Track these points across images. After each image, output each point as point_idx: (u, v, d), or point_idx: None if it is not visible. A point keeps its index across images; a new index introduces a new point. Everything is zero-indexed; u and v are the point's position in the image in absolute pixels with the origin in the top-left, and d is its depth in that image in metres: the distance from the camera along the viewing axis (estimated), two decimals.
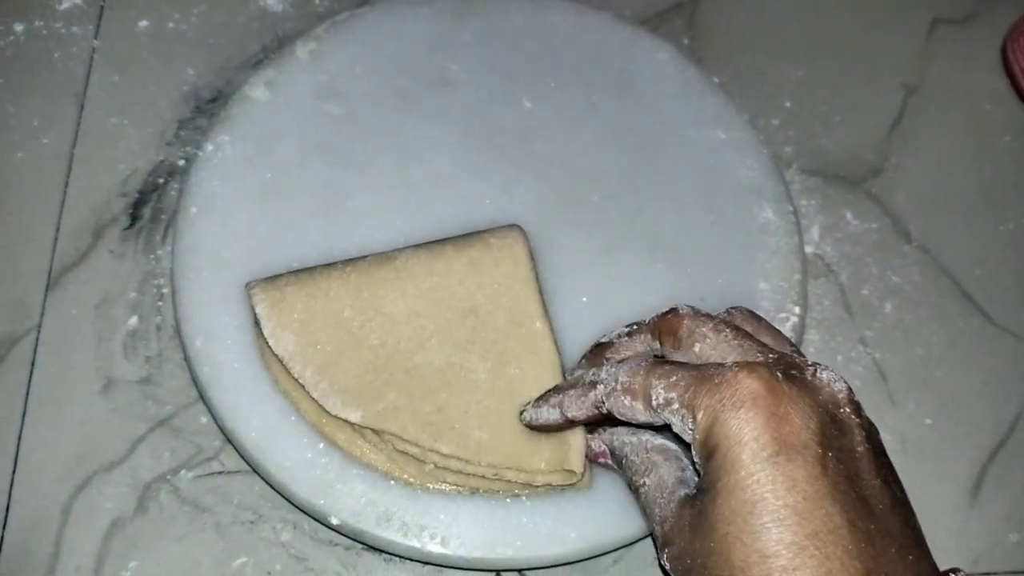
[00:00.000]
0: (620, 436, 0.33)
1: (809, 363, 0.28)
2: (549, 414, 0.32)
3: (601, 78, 0.43)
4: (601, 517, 0.34)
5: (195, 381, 0.36)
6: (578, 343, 0.36)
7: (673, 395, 0.27)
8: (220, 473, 0.37)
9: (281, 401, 0.35)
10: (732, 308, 0.33)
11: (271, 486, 0.35)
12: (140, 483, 0.36)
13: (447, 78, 0.42)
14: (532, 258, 0.37)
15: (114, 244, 0.40)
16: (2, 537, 0.35)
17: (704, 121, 0.42)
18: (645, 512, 0.30)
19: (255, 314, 0.35)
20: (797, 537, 0.24)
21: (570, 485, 0.34)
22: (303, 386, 0.34)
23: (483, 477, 0.33)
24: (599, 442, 0.33)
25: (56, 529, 0.35)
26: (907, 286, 0.42)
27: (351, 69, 0.42)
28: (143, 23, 0.45)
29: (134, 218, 0.41)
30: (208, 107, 0.43)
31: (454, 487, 0.34)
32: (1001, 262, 0.44)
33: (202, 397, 0.36)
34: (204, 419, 0.37)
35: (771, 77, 0.47)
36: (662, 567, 0.29)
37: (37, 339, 0.38)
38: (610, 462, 0.33)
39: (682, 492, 0.28)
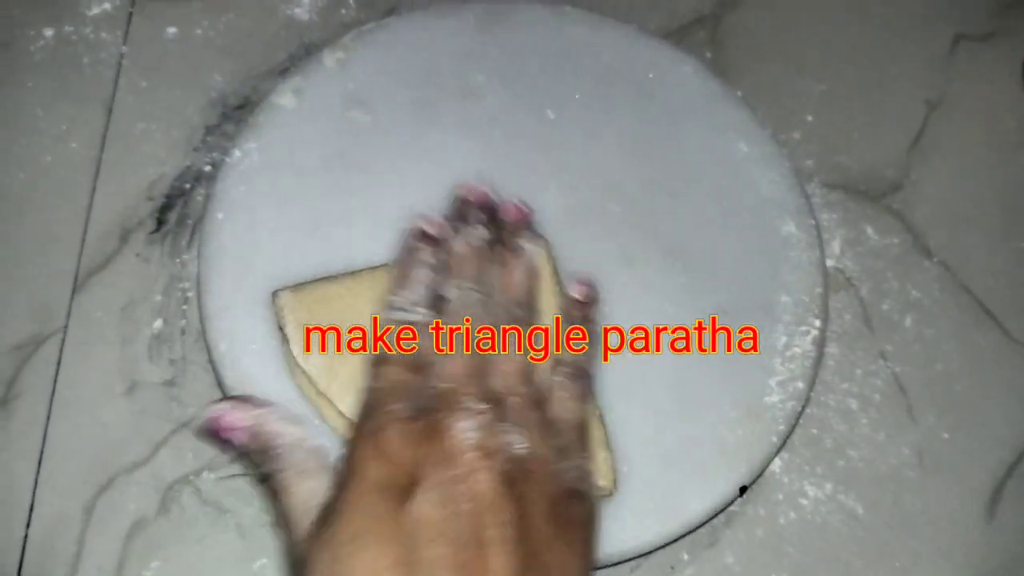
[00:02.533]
0: (273, 425, 0.31)
1: (463, 407, 0.29)
2: None
3: (624, 90, 0.43)
4: (619, 526, 0.34)
5: (219, 384, 0.37)
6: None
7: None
8: (242, 475, 0.37)
9: (306, 408, 0.35)
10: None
11: None
12: (163, 484, 0.37)
13: (472, 88, 0.42)
14: (556, 269, 0.37)
15: (140, 248, 0.41)
16: (26, 536, 0.36)
17: (727, 134, 0.42)
18: (284, 517, 0.30)
19: (281, 325, 0.35)
20: (378, 564, 0.26)
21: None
22: (329, 399, 0.34)
23: None
24: (243, 418, 0.31)
25: (79, 529, 0.36)
26: (927, 301, 0.42)
27: (377, 78, 0.42)
28: (171, 30, 0.46)
29: (160, 222, 0.41)
30: (235, 114, 0.44)
31: None
32: (1021, 278, 0.44)
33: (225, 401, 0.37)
34: None
35: (793, 91, 0.47)
36: None
37: (63, 340, 0.39)
38: (240, 439, 0.31)
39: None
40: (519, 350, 0.32)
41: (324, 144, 0.40)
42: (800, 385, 0.37)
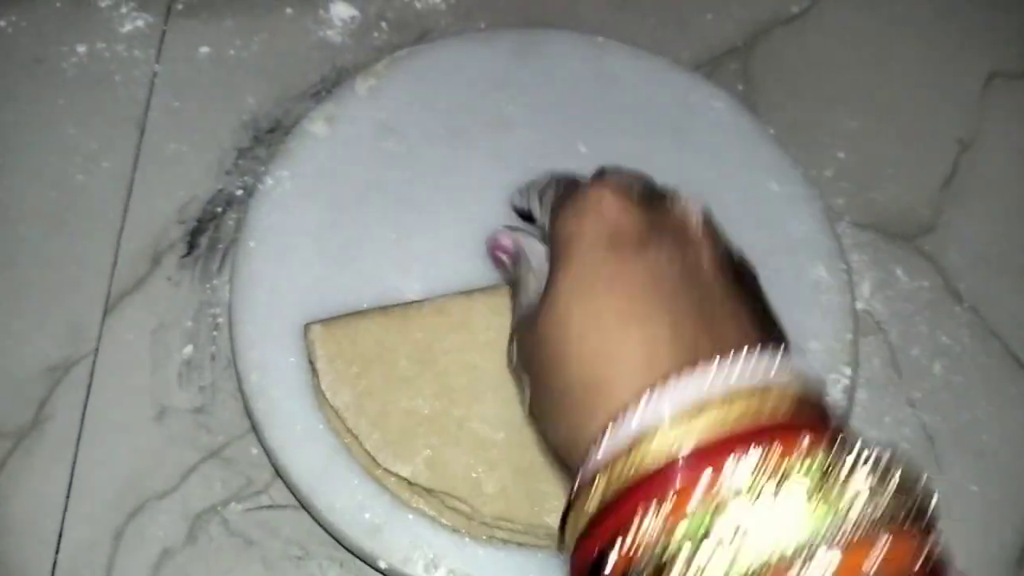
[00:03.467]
0: (531, 242, 0.34)
1: (681, 197, 0.30)
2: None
3: (656, 124, 0.43)
4: None
5: (249, 416, 0.37)
6: None
7: (548, 198, 0.33)
8: (269, 507, 0.37)
9: (334, 441, 0.35)
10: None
11: (320, 525, 0.35)
12: (191, 513, 0.37)
13: (504, 118, 0.42)
14: None
15: (171, 271, 0.41)
16: (55, 562, 0.36)
17: (758, 172, 0.42)
18: (518, 294, 0.33)
19: (311, 359, 0.35)
20: (621, 303, 0.26)
21: None
22: (356, 436, 0.34)
23: (531, 535, 0.33)
24: (509, 238, 0.36)
25: (108, 555, 0.36)
26: (957, 347, 0.42)
27: (410, 107, 0.42)
28: (204, 49, 0.46)
29: (191, 246, 0.41)
30: (267, 137, 0.44)
31: (502, 540, 0.34)
32: None
33: (255, 431, 0.37)
34: (255, 451, 0.38)
35: (825, 127, 0.47)
36: (509, 359, 0.32)
37: (94, 363, 0.39)
38: (506, 259, 0.35)
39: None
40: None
41: (357, 173, 0.40)
42: None
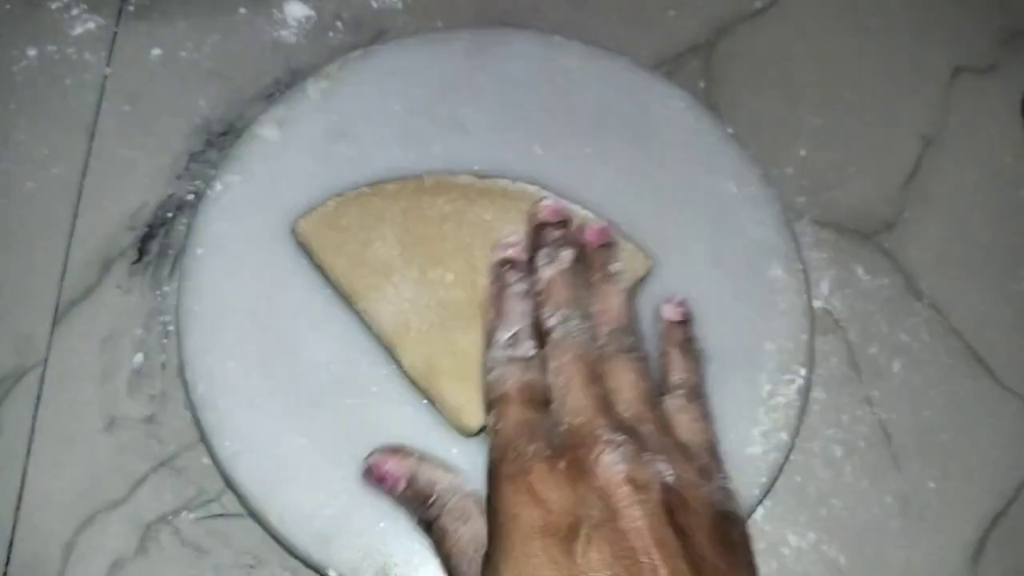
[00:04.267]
0: (430, 471, 0.32)
1: (603, 440, 0.29)
2: None
3: (614, 125, 0.42)
4: None
5: (197, 425, 0.36)
6: None
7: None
8: (221, 516, 0.37)
9: (283, 450, 0.35)
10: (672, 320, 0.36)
11: (270, 535, 0.35)
12: (141, 523, 0.37)
13: (459, 121, 0.42)
14: None
15: (121, 279, 0.40)
16: (5, 574, 0.35)
17: (716, 173, 0.42)
18: (449, 561, 0.30)
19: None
20: None
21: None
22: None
23: None
24: (400, 467, 0.33)
25: (58, 568, 0.36)
26: (916, 345, 0.42)
27: (362, 109, 0.41)
28: (156, 51, 0.45)
29: (141, 253, 0.41)
30: (219, 140, 0.43)
31: None
32: (1014, 323, 0.43)
33: (204, 442, 0.36)
34: (206, 460, 0.37)
35: (787, 124, 0.46)
36: None
37: (43, 374, 0.39)
38: (399, 488, 0.32)
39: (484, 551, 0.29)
40: (640, 377, 0.32)
41: (308, 178, 0.40)
42: (783, 436, 0.37)
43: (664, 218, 0.41)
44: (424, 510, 0.32)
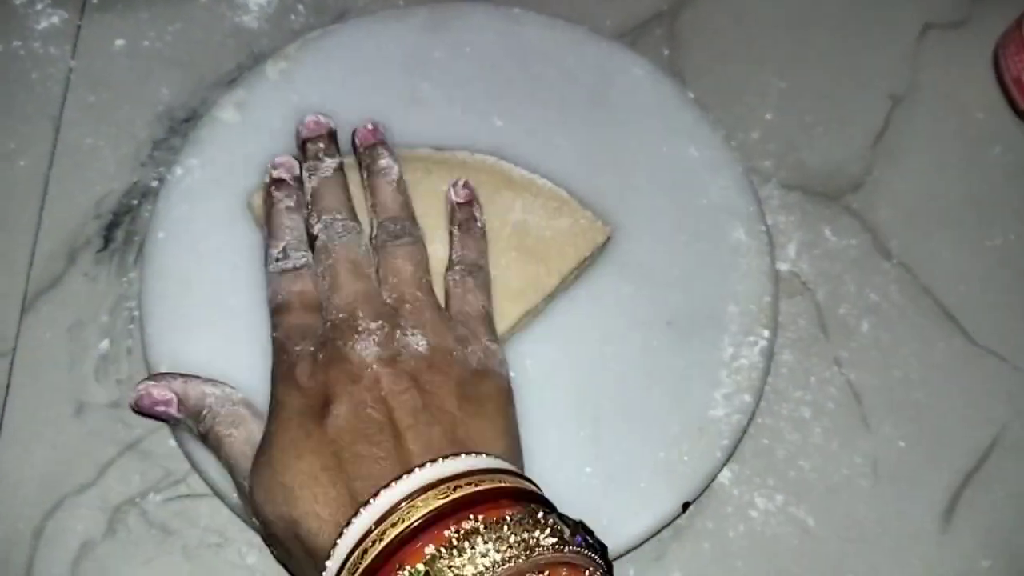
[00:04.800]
0: (198, 386, 0.34)
1: (359, 330, 0.32)
2: None
3: (574, 94, 0.42)
4: None
5: None
6: (542, 359, 0.37)
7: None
8: (187, 496, 0.37)
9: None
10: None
11: (235, 513, 0.35)
12: (110, 506, 0.37)
13: (418, 96, 0.42)
14: None
15: (88, 267, 0.41)
16: None
17: (678, 138, 0.41)
18: (228, 463, 0.33)
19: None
20: (310, 466, 0.29)
21: None
22: None
23: None
24: (164, 391, 0.34)
25: (28, 552, 0.36)
26: (885, 305, 0.42)
27: (321, 88, 0.42)
28: (119, 42, 0.45)
29: (107, 240, 0.41)
30: (182, 127, 0.43)
31: None
32: (986, 279, 0.42)
33: (168, 423, 0.37)
34: (172, 443, 0.37)
35: (752, 88, 0.46)
36: (253, 518, 0.32)
37: (12, 363, 0.39)
38: (172, 411, 0.34)
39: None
40: (405, 260, 0.34)
41: (268, 158, 0.40)
42: (747, 398, 0.37)
43: (626, 185, 0.40)
44: (199, 423, 0.33)
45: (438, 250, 0.37)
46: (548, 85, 0.43)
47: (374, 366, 0.30)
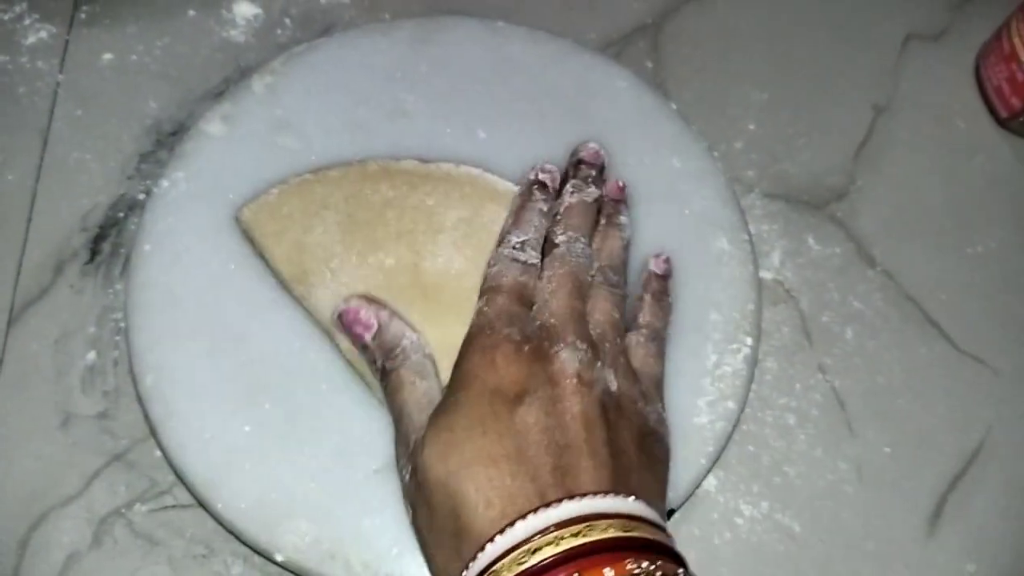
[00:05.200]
0: (400, 326, 0.35)
1: (568, 341, 0.32)
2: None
3: (558, 107, 0.43)
4: None
5: (146, 419, 0.37)
6: None
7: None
8: (173, 507, 0.37)
9: (230, 439, 0.35)
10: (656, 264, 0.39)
11: (220, 523, 0.35)
12: (96, 517, 0.37)
13: (403, 109, 0.42)
14: None
15: (74, 279, 0.41)
16: None
17: (660, 149, 0.42)
18: (402, 410, 0.33)
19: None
20: (492, 450, 0.29)
21: None
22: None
23: None
24: (371, 315, 0.35)
25: (13, 563, 0.36)
26: (869, 312, 0.42)
27: (307, 102, 0.42)
28: (107, 56, 0.46)
29: (94, 253, 0.41)
30: (169, 140, 0.44)
31: None
32: (968, 286, 0.43)
33: (153, 434, 0.37)
34: (158, 453, 0.37)
35: (735, 99, 0.46)
36: (405, 472, 0.32)
37: None
38: (367, 337, 0.35)
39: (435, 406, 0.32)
40: (614, 307, 0.35)
41: (253, 171, 0.40)
42: (730, 405, 0.37)
43: None
44: (388, 359, 0.34)
45: (427, 265, 0.37)
46: (532, 97, 0.43)
47: (573, 380, 0.31)
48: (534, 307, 0.34)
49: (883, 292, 0.42)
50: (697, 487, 0.37)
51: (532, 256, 0.36)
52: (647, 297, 0.37)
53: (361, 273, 0.37)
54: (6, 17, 0.46)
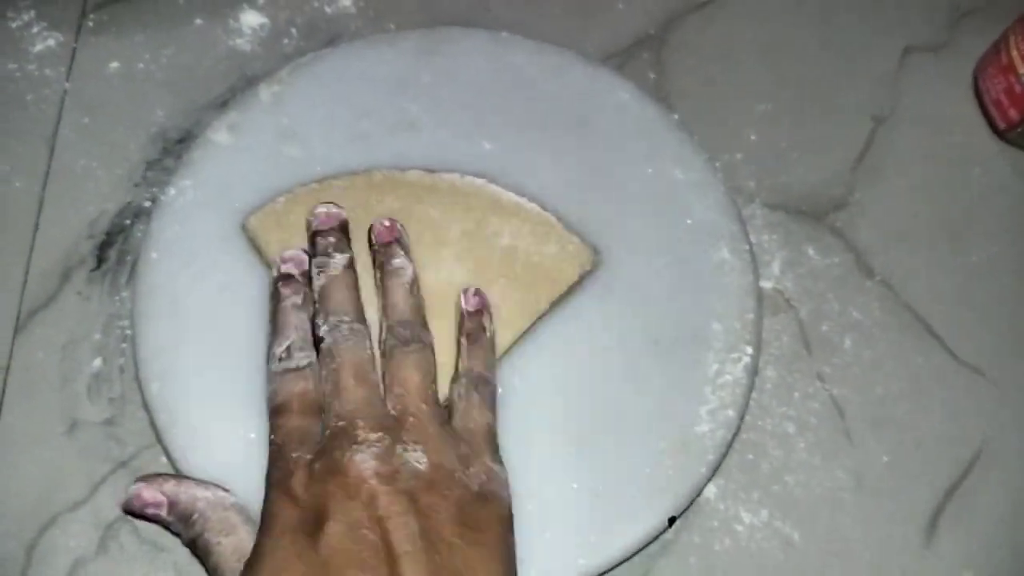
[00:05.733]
0: (190, 490, 0.33)
1: (358, 440, 0.31)
2: None
3: (561, 118, 0.43)
4: (546, 560, 0.35)
5: (152, 424, 0.37)
6: (530, 377, 0.37)
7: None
8: None
9: (234, 445, 0.36)
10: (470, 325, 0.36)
11: None
12: (102, 523, 0.37)
13: (408, 120, 0.43)
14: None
15: (81, 286, 0.41)
16: None
17: (662, 160, 0.42)
18: (214, 572, 0.31)
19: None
20: None
21: None
22: None
23: None
24: (155, 493, 0.32)
25: (20, 568, 0.37)
26: (868, 322, 0.42)
27: (312, 112, 0.42)
28: (114, 65, 0.46)
29: (100, 260, 0.42)
30: (175, 148, 0.44)
31: None
32: (966, 296, 0.43)
33: (159, 441, 0.37)
34: (163, 460, 0.38)
35: (737, 111, 0.47)
36: None
37: (5, 381, 0.39)
38: (162, 514, 0.32)
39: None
40: (414, 369, 0.33)
41: (259, 180, 0.41)
42: (731, 413, 0.37)
43: (611, 207, 0.41)
44: (188, 528, 0.32)
45: (430, 278, 0.37)
46: (536, 108, 0.43)
47: (372, 481, 0.29)
48: (323, 415, 0.32)
49: (882, 302, 0.43)
50: (698, 495, 0.37)
51: (303, 358, 0.34)
52: (462, 341, 0.35)
53: (364, 283, 0.37)
54: (14, 25, 0.47)
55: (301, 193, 0.39)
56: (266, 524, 0.30)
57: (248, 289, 0.38)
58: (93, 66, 0.46)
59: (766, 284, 0.42)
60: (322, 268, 0.36)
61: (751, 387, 0.38)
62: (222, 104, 0.45)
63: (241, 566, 0.30)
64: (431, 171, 0.41)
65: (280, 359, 0.34)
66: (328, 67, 0.44)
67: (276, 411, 0.33)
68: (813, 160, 0.46)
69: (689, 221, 0.41)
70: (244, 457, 0.35)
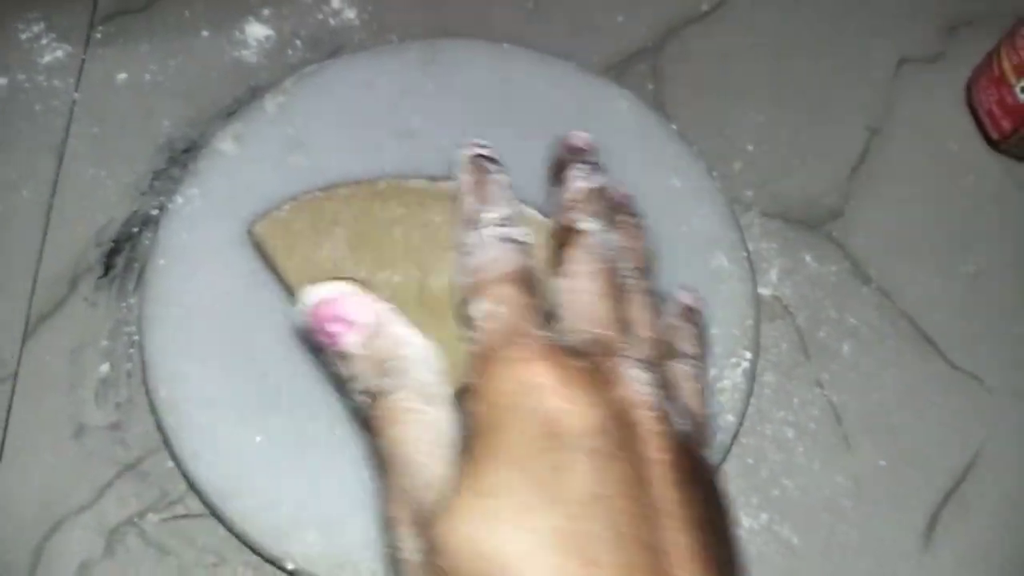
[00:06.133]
0: (401, 327, 0.26)
1: (631, 357, 0.25)
2: None
3: (560, 127, 0.43)
4: None
5: (159, 429, 0.38)
6: None
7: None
8: (184, 516, 0.38)
9: (242, 449, 0.36)
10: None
11: (231, 532, 0.36)
12: (108, 527, 0.38)
13: (410, 129, 0.43)
14: None
15: (88, 293, 0.42)
16: None
17: (660, 169, 0.43)
18: (395, 455, 0.24)
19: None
20: (565, 527, 0.21)
21: None
22: None
23: None
24: (367, 308, 0.26)
25: (27, 572, 0.37)
26: (865, 329, 0.43)
27: (317, 121, 0.43)
28: (122, 75, 0.47)
29: (108, 267, 0.42)
30: (182, 158, 0.45)
31: None
32: (961, 304, 0.44)
33: (166, 444, 0.37)
34: (169, 464, 0.38)
35: (734, 121, 0.48)
36: (400, 555, 0.24)
37: (13, 387, 0.40)
38: (347, 339, 0.25)
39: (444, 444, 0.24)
40: (656, 318, 0.28)
41: (264, 189, 0.41)
42: (730, 418, 0.38)
43: None
44: (381, 378, 0.24)
45: (433, 282, 0.38)
46: (536, 118, 0.44)
47: (651, 412, 0.23)
48: (558, 310, 0.26)
49: (878, 309, 0.43)
50: None
51: (523, 233, 0.28)
52: (688, 326, 0.32)
53: (368, 289, 0.37)
54: (24, 36, 0.48)
55: (306, 200, 0.40)
56: (499, 417, 0.22)
57: (255, 294, 0.39)
58: (101, 77, 0.47)
59: (764, 291, 0.43)
60: (586, 175, 0.31)
61: (750, 392, 0.39)
62: (228, 114, 0.46)
63: (443, 453, 0.23)
64: (434, 179, 0.41)
65: (499, 225, 0.28)
66: (332, 78, 0.44)
67: (499, 280, 0.26)
68: (810, 169, 0.47)
69: (687, 229, 0.42)
70: (251, 460, 0.36)
